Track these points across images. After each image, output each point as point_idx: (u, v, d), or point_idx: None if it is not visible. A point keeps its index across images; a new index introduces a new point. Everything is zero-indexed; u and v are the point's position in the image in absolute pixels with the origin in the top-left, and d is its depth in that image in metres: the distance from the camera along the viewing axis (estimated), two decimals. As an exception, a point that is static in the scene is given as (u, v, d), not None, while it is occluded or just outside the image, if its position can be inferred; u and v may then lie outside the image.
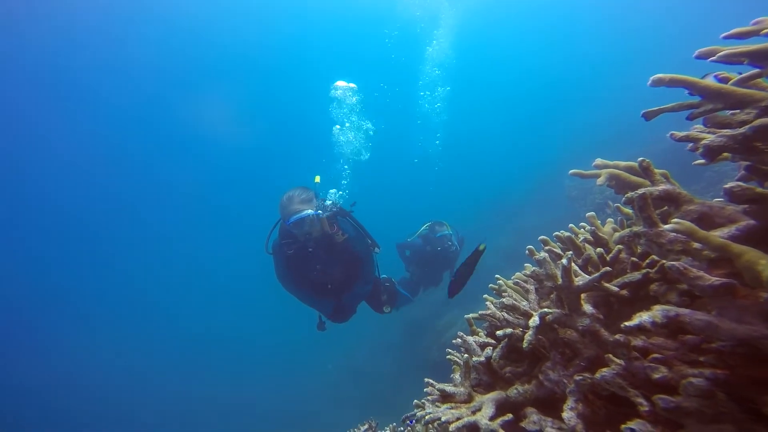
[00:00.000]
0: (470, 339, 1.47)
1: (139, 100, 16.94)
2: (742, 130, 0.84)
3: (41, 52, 14.24)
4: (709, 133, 0.97)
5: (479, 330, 1.61)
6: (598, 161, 1.30)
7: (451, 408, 1.33)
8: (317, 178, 3.71)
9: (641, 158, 1.04)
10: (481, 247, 2.73)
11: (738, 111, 0.91)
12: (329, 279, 3.66)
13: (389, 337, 9.07)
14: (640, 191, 0.90)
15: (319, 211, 3.33)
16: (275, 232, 3.57)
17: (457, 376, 1.48)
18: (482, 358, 1.35)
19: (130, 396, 11.36)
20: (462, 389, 1.37)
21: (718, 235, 0.76)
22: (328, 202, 3.58)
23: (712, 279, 0.72)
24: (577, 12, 17.21)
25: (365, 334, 9.67)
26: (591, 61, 17.93)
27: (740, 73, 0.97)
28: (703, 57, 0.98)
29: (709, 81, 0.96)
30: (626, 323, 0.86)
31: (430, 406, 1.41)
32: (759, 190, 0.69)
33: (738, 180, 0.98)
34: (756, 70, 0.85)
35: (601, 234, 1.27)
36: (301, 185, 3.41)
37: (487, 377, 1.37)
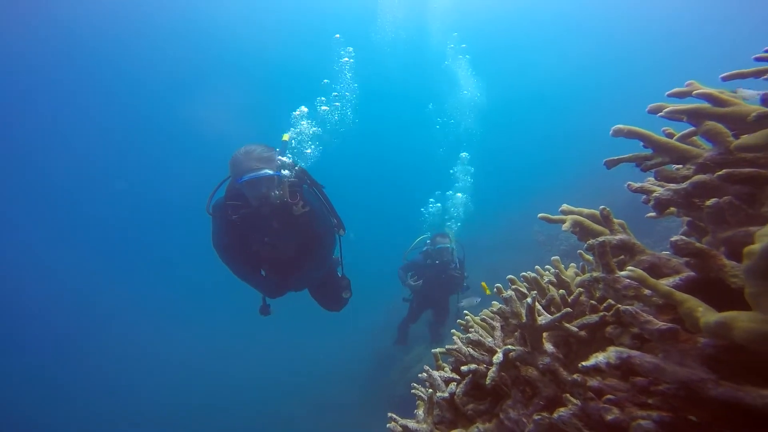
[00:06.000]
0: (436, 374, 1.47)
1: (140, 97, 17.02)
2: (684, 185, 0.93)
3: (43, 51, 14.20)
4: (659, 186, 1.07)
5: (445, 365, 1.61)
6: (564, 207, 1.39)
7: (412, 445, 1.31)
8: (286, 136, 3.10)
9: (602, 207, 1.13)
10: None
11: (681, 166, 1.01)
12: (277, 255, 3.08)
13: (356, 367, 8.81)
14: (600, 239, 0.98)
15: (282, 172, 2.77)
16: (221, 191, 2.96)
17: (420, 411, 1.46)
18: (446, 394, 1.35)
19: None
20: (425, 426, 1.36)
21: (665, 283, 0.82)
22: (292, 163, 2.95)
23: (659, 324, 0.78)
24: (553, 50, 18.39)
25: (332, 363, 9.37)
26: (574, 98, 19.07)
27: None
28: (653, 112, 1.11)
29: (658, 136, 1.07)
30: (583, 363, 0.90)
31: (392, 443, 1.39)
32: (698, 245, 0.77)
33: (681, 235, 1.08)
34: (692, 129, 0.97)
35: (563, 277, 1.34)
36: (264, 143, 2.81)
37: (449, 414, 1.37)
